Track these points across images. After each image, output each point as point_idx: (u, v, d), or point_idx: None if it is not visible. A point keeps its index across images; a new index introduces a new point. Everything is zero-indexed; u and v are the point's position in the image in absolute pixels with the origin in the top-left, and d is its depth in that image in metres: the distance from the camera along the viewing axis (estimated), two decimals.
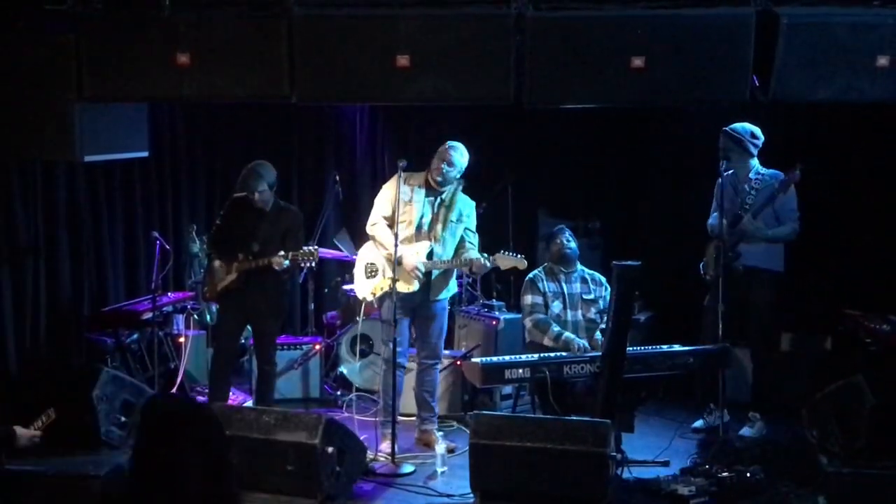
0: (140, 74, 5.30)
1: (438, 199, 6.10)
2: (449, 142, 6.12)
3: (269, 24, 5.17)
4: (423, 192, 6.08)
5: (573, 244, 6.40)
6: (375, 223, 6.14)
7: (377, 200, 6.21)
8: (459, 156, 6.06)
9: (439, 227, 6.07)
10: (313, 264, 6.15)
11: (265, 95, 5.37)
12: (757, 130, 6.36)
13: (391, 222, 6.05)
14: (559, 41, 5.09)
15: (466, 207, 6.21)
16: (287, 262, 6.04)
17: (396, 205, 5.99)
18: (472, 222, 6.25)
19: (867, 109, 5.85)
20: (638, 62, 5.02)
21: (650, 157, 8.24)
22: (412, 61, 5.10)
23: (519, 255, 6.10)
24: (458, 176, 6.10)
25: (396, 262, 5.92)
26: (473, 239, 6.22)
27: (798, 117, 6.79)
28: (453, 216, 6.11)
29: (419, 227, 6.05)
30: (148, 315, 7.00)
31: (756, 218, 6.25)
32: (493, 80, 5.14)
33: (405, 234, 6.01)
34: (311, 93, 5.32)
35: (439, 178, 6.02)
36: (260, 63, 5.22)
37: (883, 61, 4.94)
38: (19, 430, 4.85)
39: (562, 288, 6.34)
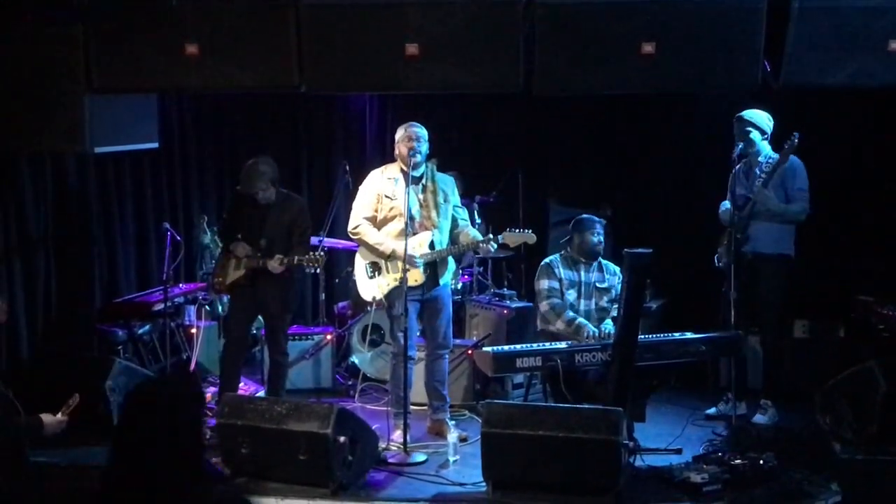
0: (149, 65, 5.30)
1: (420, 186, 6.03)
2: (402, 125, 6.06)
3: (278, 13, 5.17)
4: (402, 183, 5.97)
5: (603, 240, 6.29)
6: (358, 225, 6.06)
7: (356, 203, 6.13)
8: (420, 128, 5.99)
9: (434, 213, 6.01)
10: (318, 270, 6.08)
11: (274, 85, 5.36)
12: (769, 116, 6.32)
13: (374, 222, 6.04)
14: (568, 28, 5.07)
15: (447, 185, 6.14)
16: (281, 266, 6.04)
17: (382, 203, 5.94)
18: (456, 198, 6.20)
19: (879, 94, 5.81)
20: (648, 48, 5.00)
21: (661, 143, 8.20)
22: (421, 49, 5.09)
23: (526, 230, 6.04)
24: (428, 150, 6.01)
25: (392, 256, 5.94)
26: (463, 214, 6.21)
27: (809, 102, 6.74)
28: (440, 198, 6.06)
29: (412, 219, 5.92)
30: (159, 306, 7.03)
31: (767, 187, 6.20)
32: (503, 67, 5.13)
33: (397, 229, 5.95)
34: (319, 82, 5.32)
35: (416, 158, 5.91)
36: (268, 52, 5.21)
37: (895, 45, 4.91)
38: (46, 417, 4.85)
39: (579, 277, 6.27)
